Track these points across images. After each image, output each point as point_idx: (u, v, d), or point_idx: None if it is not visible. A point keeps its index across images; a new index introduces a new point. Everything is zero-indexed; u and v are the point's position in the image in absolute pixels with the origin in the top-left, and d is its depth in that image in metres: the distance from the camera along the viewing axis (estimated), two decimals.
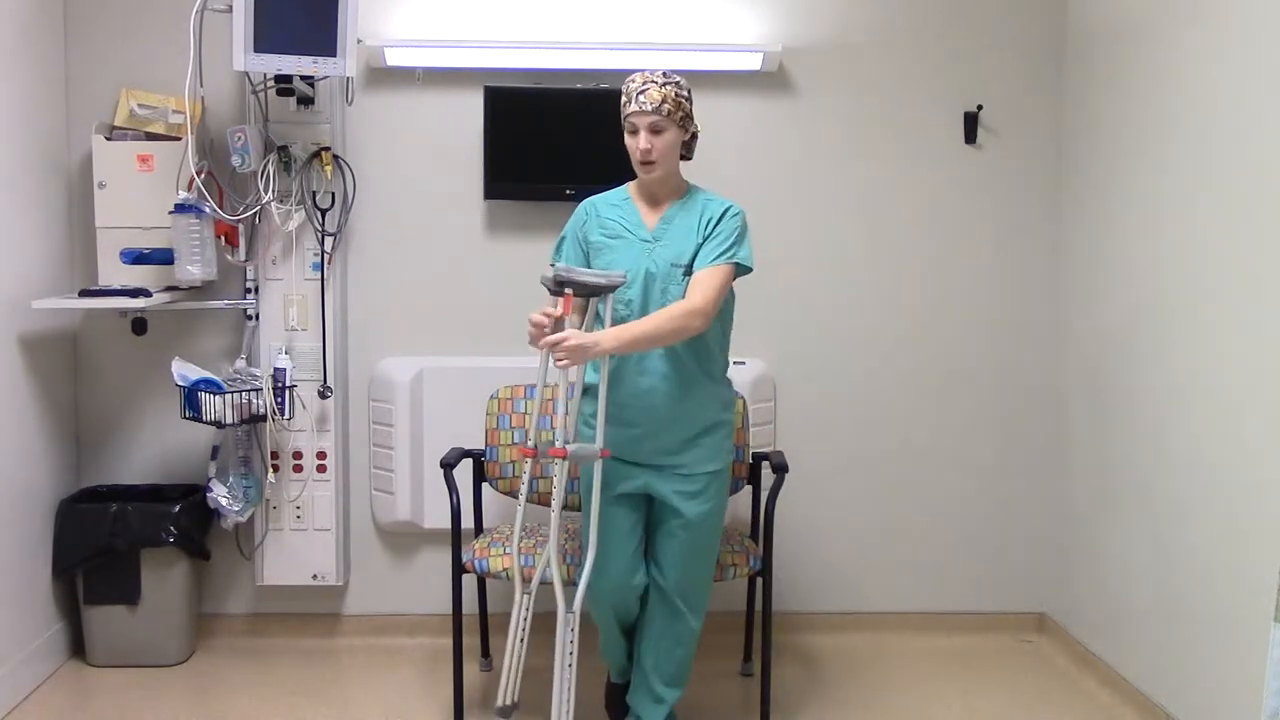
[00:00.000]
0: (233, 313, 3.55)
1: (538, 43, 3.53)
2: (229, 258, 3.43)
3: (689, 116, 2.70)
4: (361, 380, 3.63)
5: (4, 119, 3.11)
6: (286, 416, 3.43)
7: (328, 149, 3.41)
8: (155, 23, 3.46)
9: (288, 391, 3.42)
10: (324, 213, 3.45)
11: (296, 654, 3.56)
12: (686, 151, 2.78)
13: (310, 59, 3.10)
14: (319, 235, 3.45)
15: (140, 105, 3.40)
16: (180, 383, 3.29)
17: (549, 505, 2.67)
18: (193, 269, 3.28)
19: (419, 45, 3.49)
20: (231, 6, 3.06)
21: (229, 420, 3.30)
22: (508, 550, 2.91)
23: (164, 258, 3.35)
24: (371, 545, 3.69)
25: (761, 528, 3.10)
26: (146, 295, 3.26)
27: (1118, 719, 3.14)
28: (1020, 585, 3.78)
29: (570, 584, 2.73)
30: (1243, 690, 2.60)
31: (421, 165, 3.59)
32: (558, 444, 2.62)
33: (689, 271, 2.68)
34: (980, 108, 3.63)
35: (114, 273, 3.38)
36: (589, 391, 2.74)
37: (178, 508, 3.34)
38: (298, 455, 3.51)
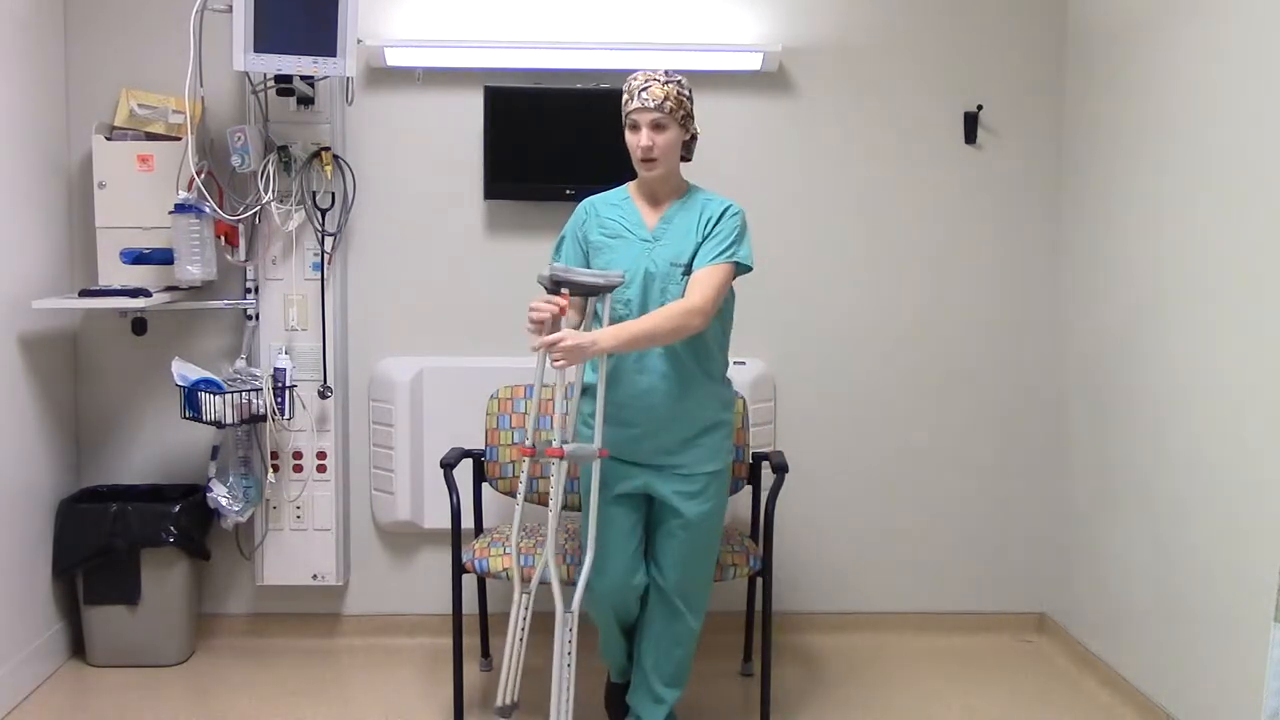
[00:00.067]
0: (233, 313, 3.55)
1: (538, 43, 3.53)
2: (229, 258, 3.43)
3: (690, 116, 2.70)
4: (361, 380, 3.63)
5: (4, 119, 3.11)
6: (286, 416, 3.43)
7: (328, 149, 3.41)
8: (155, 23, 3.46)
9: (288, 391, 3.42)
10: (324, 213, 3.45)
11: (296, 654, 3.56)
12: (686, 153, 2.78)
13: (310, 59, 3.10)
14: (319, 235, 3.45)
15: (140, 105, 3.40)
16: (180, 383, 3.29)
17: (548, 505, 2.67)
18: (193, 269, 3.28)
19: (419, 45, 3.49)
20: (231, 6, 3.06)
21: (229, 420, 3.30)
22: (508, 550, 2.91)
23: (164, 258, 3.35)
24: (371, 545, 3.69)
25: (761, 528, 3.10)
26: (146, 295, 3.26)
27: (1118, 719, 3.14)
28: (1020, 585, 3.78)
29: (569, 584, 2.73)
30: (1243, 690, 2.60)
31: (421, 165, 3.59)
32: (556, 444, 2.62)
33: (688, 271, 2.68)
34: (980, 108, 3.63)
35: (114, 273, 3.38)
36: (588, 391, 2.74)
37: (178, 508, 3.34)
38: (298, 455, 3.52)
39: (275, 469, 3.47)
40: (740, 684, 3.39)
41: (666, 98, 2.63)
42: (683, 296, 2.65)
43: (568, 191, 3.42)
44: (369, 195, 3.56)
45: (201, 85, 3.25)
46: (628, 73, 2.73)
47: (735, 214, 2.72)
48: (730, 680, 3.41)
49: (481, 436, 3.28)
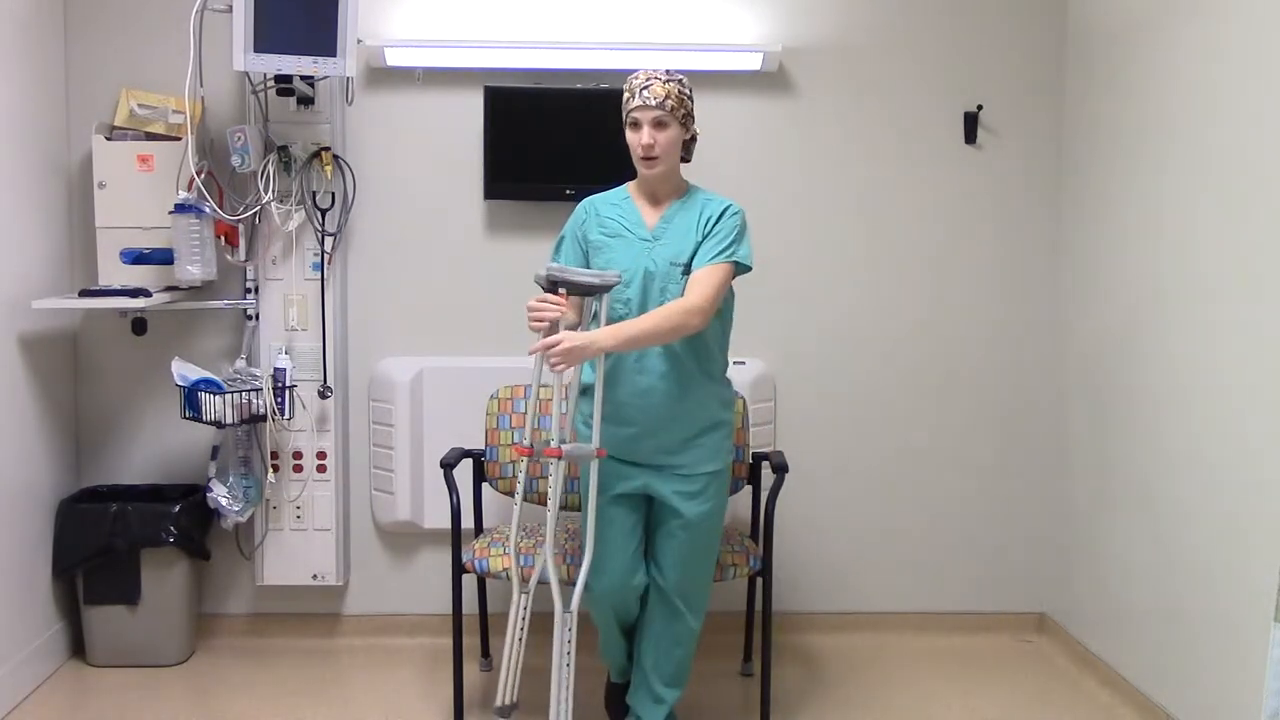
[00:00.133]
0: (233, 313, 3.55)
1: (538, 43, 3.53)
2: (229, 258, 3.43)
3: (690, 116, 2.71)
4: (361, 380, 3.63)
5: (4, 119, 3.11)
6: (286, 416, 3.43)
7: (328, 149, 3.41)
8: (155, 23, 3.46)
9: (288, 391, 3.42)
10: (324, 213, 3.45)
11: (296, 654, 3.56)
12: (686, 153, 2.78)
13: (310, 59, 3.10)
14: (319, 235, 3.45)
15: (140, 105, 3.40)
16: (180, 383, 3.29)
17: (548, 505, 2.67)
18: (193, 269, 3.28)
19: (419, 45, 3.49)
20: (231, 6, 3.06)
21: (229, 420, 3.30)
22: (507, 550, 2.91)
23: (164, 258, 3.35)
24: (371, 545, 3.69)
25: (761, 528, 3.10)
26: (146, 295, 3.26)
27: (1118, 719, 3.14)
28: (1020, 585, 3.78)
29: (570, 584, 2.73)
30: (1243, 690, 2.60)
31: (421, 165, 3.59)
32: (554, 444, 2.62)
33: (688, 270, 2.68)
34: (980, 108, 3.63)
35: (114, 273, 3.38)
36: (587, 391, 2.74)
37: (178, 508, 3.34)
38: (298, 455, 3.52)
39: (275, 469, 3.47)
40: (740, 684, 3.39)
41: (668, 96, 2.63)
42: (682, 296, 2.65)
43: (568, 191, 3.41)
44: (369, 195, 3.56)
45: (201, 85, 3.25)
46: (628, 73, 2.73)
47: (735, 214, 2.72)
48: (730, 680, 3.41)
49: (481, 436, 3.28)
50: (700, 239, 2.69)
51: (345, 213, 3.49)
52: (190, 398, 3.28)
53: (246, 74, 3.29)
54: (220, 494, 3.38)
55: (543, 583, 2.73)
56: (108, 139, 3.38)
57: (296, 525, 3.53)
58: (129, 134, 3.40)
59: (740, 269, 2.71)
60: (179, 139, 3.33)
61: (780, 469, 3.09)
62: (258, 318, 3.49)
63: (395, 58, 3.49)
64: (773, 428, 3.66)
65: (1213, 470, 2.77)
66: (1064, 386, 3.66)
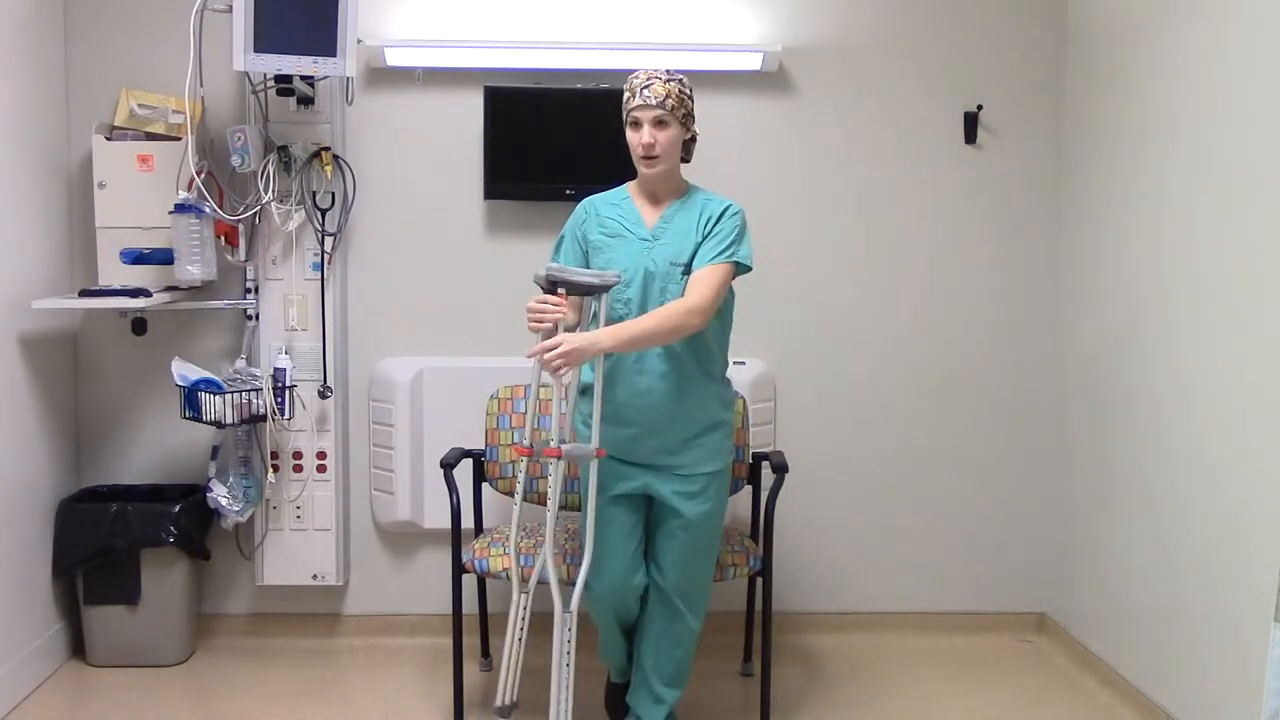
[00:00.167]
0: (233, 313, 3.55)
1: (538, 43, 3.53)
2: (229, 258, 3.43)
3: (691, 116, 2.71)
4: (361, 380, 3.63)
5: (4, 119, 3.11)
6: (286, 416, 3.43)
7: (328, 149, 3.41)
8: (155, 23, 3.46)
9: (288, 391, 3.42)
10: (324, 213, 3.45)
11: (296, 654, 3.56)
12: (685, 153, 2.78)
13: (310, 59, 3.10)
14: (319, 235, 3.45)
15: (140, 105, 3.40)
16: (180, 383, 3.29)
17: (548, 505, 2.68)
18: (193, 269, 3.28)
19: (419, 45, 3.49)
20: (231, 6, 3.06)
21: (229, 420, 3.30)
22: (507, 550, 2.91)
23: (164, 258, 3.35)
24: (371, 545, 3.69)
25: (761, 528, 3.10)
26: (146, 295, 3.26)
27: (1118, 719, 3.14)
28: (1020, 585, 3.78)
29: (570, 583, 2.73)
30: (1243, 690, 2.60)
31: (421, 165, 3.59)
32: (554, 444, 2.62)
33: (688, 270, 2.68)
34: (980, 108, 3.63)
35: (114, 273, 3.38)
36: (587, 391, 2.74)
37: (178, 508, 3.34)
38: (298, 455, 3.52)
39: (275, 469, 3.47)
40: (740, 684, 3.39)
41: (669, 95, 2.63)
42: (683, 296, 2.65)
43: (568, 191, 3.41)
44: (369, 195, 3.56)
45: (201, 85, 3.25)
46: (628, 73, 2.73)
47: (735, 214, 2.72)
48: (730, 680, 3.41)
49: (481, 436, 3.28)
50: (700, 239, 2.69)
51: (345, 213, 3.49)
52: (190, 398, 3.28)
53: (246, 74, 3.29)
54: (220, 494, 3.38)
55: (543, 583, 2.73)
56: (108, 139, 3.38)
57: (296, 525, 3.53)
58: (129, 134, 3.40)
59: (741, 269, 2.71)
60: (179, 139, 3.33)
61: (780, 469, 3.09)
62: (258, 318, 3.49)
63: (395, 58, 3.49)
64: (773, 428, 3.66)
65: (1213, 470, 2.77)
66: (1064, 386, 3.66)
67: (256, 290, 3.48)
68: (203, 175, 3.26)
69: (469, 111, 3.53)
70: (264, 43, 3.06)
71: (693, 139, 2.77)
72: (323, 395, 3.50)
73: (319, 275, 3.46)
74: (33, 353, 3.26)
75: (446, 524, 3.09)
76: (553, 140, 3.51)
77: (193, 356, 3.46)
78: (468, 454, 3.24)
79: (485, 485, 3.30)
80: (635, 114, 2.66)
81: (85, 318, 3.55)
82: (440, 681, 3.31)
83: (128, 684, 3.29)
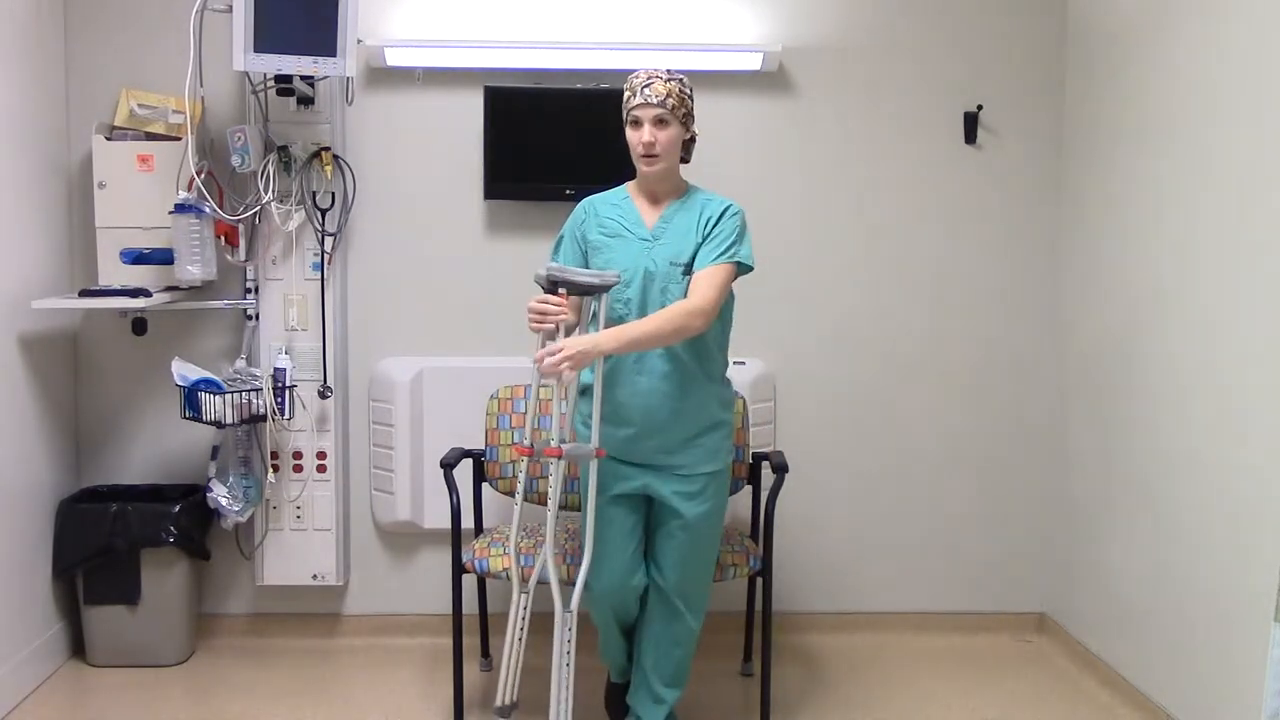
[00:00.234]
0: (233, 313, 3.55)
1: (538, 43, 3.53)
2: (229, 258, 3.43)
3: (691, 115, 2.71)
4: (361, 380, 3.63)
5: (4, 119, 3.11)
6: (286, 416, 3.43)
7: (328, 149, 3.41)
8: (155, 23, 3.46)
9: (288, 391, 3.42)
10: (324, 213, 3.45)
11: (296, 654, 3.56)
12: (685, 154, 2.78)
13: (310, 59, 3.10)
14: (319, 235, 3.45)
15: (140, 105, 3.40)
16: (180, 383, 3.29)
17: (548, 505, 2.68)
18: (193, 269, 3.28)
19: (419, 45, 3.49)
20: (231, 6, 3.06)
21: (229, 420, 3.30)
22: (507, 550, 2.91)
23: (164, 258, 3.35)
24: (371, 545, 3.69)
25: (761, 528, 3.10)
26: (146, 295, 3.26)
27: (1117, 719, 3.14)
28: (1020, 585, 3.78)
29: (570, 583, 2.73)
30: (1243, 690, 2.60)
31: (421, 165, 3.59)
32: (554, 443, 2.62)
33: (688, 270, 2.68)
34: (980, 108, 3.63)
35: (114, 273, 3.38)
36: (587, 391, 2.74)
37: (178, 508, 3.34)
38: (298, 455, 3.52)
39: (275, 469, 3.47)
40: (740, 684, 3.39)
41: (669, 94, 2.63)
42: (684, 296, 2.65)
43: (568, 191, 3.41)
44: (369, 195, 3.56)
45: (201, 85, 3.25)
46: (628, 73, 2.73)
47: (735, 214, 2.72)
48: (730, 680, 3.41)
49: (481, 436, 3.28)
50: (700, 239, 2.69)
51: (345, 213, 3.49)
52: (190, 398, 3.28)
53: (246, 74, 3.29)
54: (220, 494, 3.38)
55: (543, 582, 2.73)
56: (108, 139, 3.38)
57: (296, 525, 3.53)
58: (129, 134, 3.40)
59: (742, 269, 2.71)
60: (179, 139, 3.33)
61: (780, 469, 3.09)
62: (258, 318, 3.49)
63: (395, 58, 3.49)
64: (773, 428, 3.66)
65: (1213, 470, 2.77)
66: (1064, 386, 3.66)
67: (256, 290, 3.48)
68: (203, 175, 3.26)
69: (469, 111, 3.53)
70: (264, 43, 3.06)
71: (692, 139, 2.77)
72: (323, 395, 3.50)
73: (319, 275, 3.46)
74: (33, 353, 3.26)
75: (446, 524, 3.09)
76: (553, 140, 3.51)
77: (193, 356, 3.46)
78: (468, 454, 3.24)
79: (485, 485, 3.30)
80: (636, 113, 2.66)
81: (85, 318, 3.55)
82: (440, 681, 3.31)
83: (128, 684, 3.29)
